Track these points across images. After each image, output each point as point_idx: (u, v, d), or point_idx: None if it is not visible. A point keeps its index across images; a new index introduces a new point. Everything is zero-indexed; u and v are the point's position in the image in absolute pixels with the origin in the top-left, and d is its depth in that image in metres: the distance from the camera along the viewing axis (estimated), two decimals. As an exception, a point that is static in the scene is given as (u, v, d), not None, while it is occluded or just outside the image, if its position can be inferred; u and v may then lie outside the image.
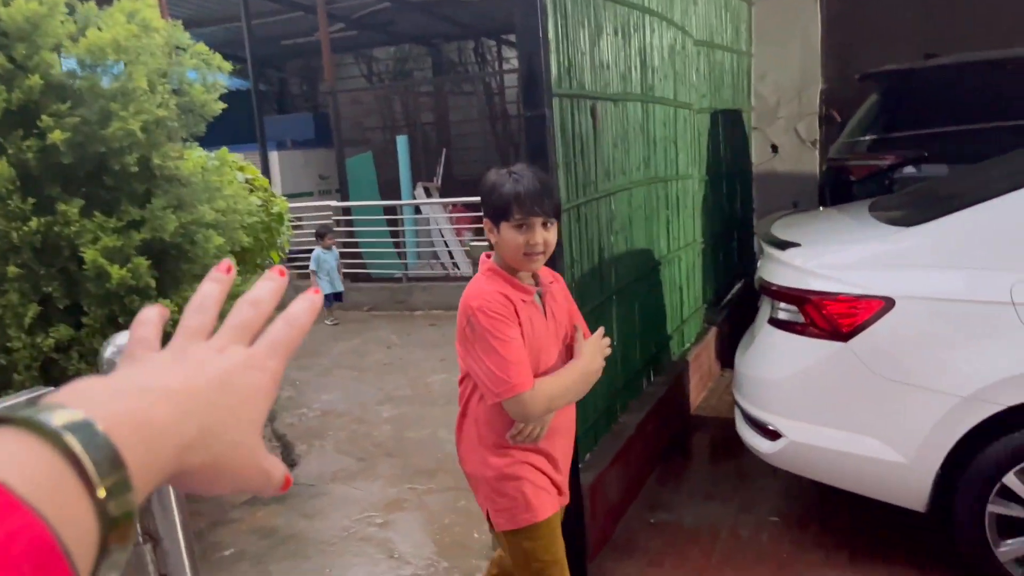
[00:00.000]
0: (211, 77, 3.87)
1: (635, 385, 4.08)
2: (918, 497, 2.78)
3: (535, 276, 2.08)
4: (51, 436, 0.39)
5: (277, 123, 11.32)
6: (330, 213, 8.88)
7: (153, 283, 3.48)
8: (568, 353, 2.10)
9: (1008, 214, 2.74)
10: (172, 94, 3.67)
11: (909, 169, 5.34)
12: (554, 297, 2.10)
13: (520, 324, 1.95)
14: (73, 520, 0.38)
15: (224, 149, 4.55)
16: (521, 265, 1.99)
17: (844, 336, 2.79)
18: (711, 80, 5.75)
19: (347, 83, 12.19)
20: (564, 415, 2.12)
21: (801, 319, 2.91)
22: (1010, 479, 2.64)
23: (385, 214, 9.27)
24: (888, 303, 2.74)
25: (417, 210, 9.52)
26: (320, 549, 3.53)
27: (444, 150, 10.38)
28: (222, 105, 3.91)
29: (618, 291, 3.74)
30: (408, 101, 11.35)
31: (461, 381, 2.11)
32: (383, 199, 9.40)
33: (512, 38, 12.61)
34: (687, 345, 4.99)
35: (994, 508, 2.68)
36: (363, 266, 9.08)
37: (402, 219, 9.19)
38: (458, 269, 9.39)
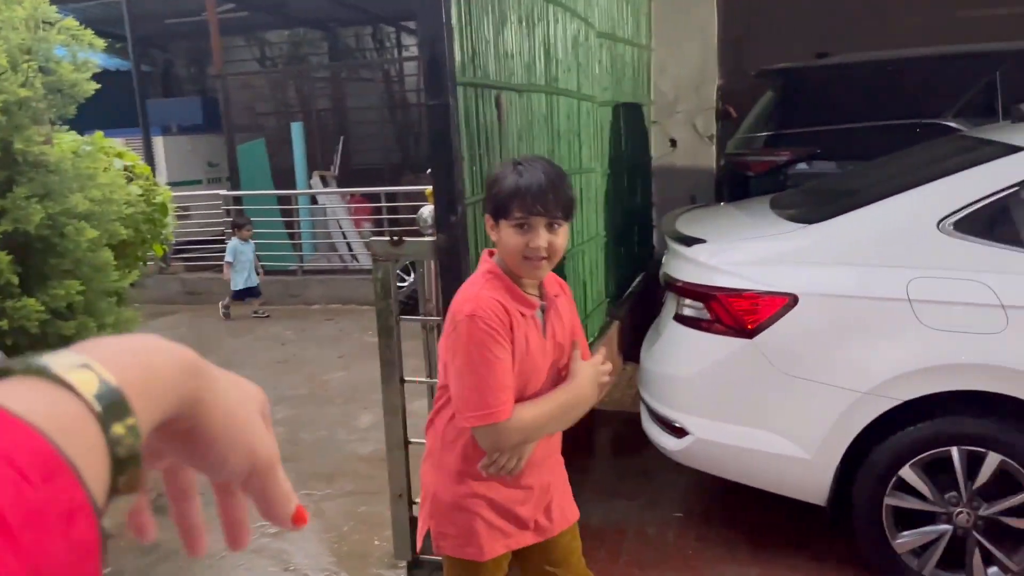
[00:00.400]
0: (82, 55, 3.55)
1: (540, 382, 4.00)
2: (819, 491, 2.81)
3: (540, 286, 1.83)
4: (55, 378, 0.40)
5: (162, 107, 10.70)
6: (220, 202, 8.45)
7: (16, 280, 3.17)
8: (561, 375, 1.84)
9: (904, 212, 2.80)
10: (38, 73, 3.34)
11: (802, 165, 5.48)
12: (558, 312, 1.85)
13: (513, 342, 1.71)
14: (83, 451, 0.38)
15: (99, 134, 4.22)
16: (521, 270, 1.75)
17: (749, 333, 2.78)
18: (613, 73, 5.73)
19: (238, 66, 11.65)
20: (547, 445, 1.89)
21: (707, 316, 2.90)
22: (906, 472, 2.70)
23: (279, 204, 8.90)
24: (792, 300, 2.75)
25: (313, 200, 9.19)
26: (208, 564, 3.30)
27: (342, 138, 10.05)
28: (95, 85, 3.59)
29: (523, 287, 3.65)
30: (303, 87, 10.95)
31: (441, 387, 1.88)
32: (277, 188, 9.02)
33: (412, 25, 12.36)
34: (591, 340, 4.96)
35: (891, 501, 2.74)
36: (256, 258, 8.69)
37: (297, 209, 8.85)
38: (356, 262, 9.12)
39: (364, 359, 6.14)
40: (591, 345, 4.86)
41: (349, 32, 12.10)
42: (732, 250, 3.04)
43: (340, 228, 9.21)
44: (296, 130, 9.01)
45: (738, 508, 3.47)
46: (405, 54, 11.70)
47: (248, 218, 7.93)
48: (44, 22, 3.38)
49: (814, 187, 4.01)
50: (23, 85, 3.14)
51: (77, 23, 3.48)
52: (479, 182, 3.09)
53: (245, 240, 7.61)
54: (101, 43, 3.53)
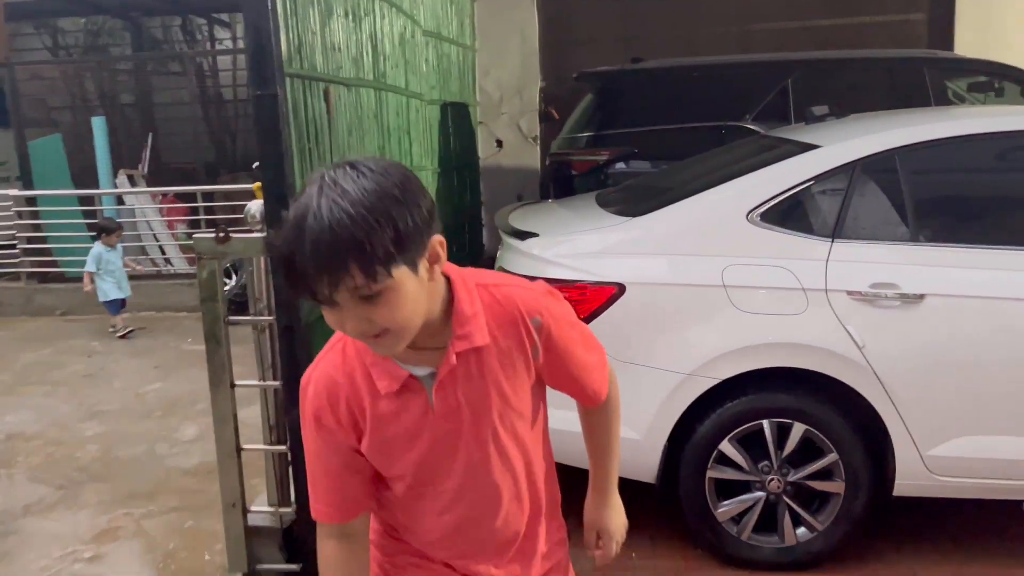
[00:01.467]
0: None
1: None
2: (649, 470, 2.97)
3: (445, 334, 1.21)
4: None
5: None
6: (11, 203, 7.65)
7: None
8: (482, 451, 1.29)
9: (716, 205, 3.01)
10: None
11: (620, 165, 5.76)
12: (471, 375, 1.24)
13: (359, 426, 1.25)
14: None
15: None
16: (372, 346, 1.16)
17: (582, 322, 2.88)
18: (440, 72, 5.76)
19: (26, 55, 10.59)
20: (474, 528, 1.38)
21: (542, 307, 2.97)
22: (725, 446, 2.90)
23: (81, 205, 8.19)
24: (620, 289, 2.88)
25: (120, 200, 8.54)
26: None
27: (151, 135, 9.41)
28: None
29: (357, 285, 3.59)
30: (105, 79, 10.13)
31: None
32: (77, 187, 8.30)
33: (225, 17, 11.78)
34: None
35: (713, 473, 2.93)
36: (54, 264, 7.95)
37: (101, 211, 8.18)
38: (171, 266, 8.58)
39: (183, 369, 5.79)
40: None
41: (155, 22, 11.33)
42: (563, 243, 3.14)
43: (151, 230, 8.63)
44: (98, 125, 8.33)
45: (575, 497, 3.58)
46: (218, 47, 11.13)
47: (118, 223, 7.19)
48: None
49: (637, 184, 4.23)
50: None
51: None
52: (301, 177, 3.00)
53: (112, 247, 6.89)
54: None
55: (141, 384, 5.49)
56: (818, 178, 2.93)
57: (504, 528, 1.38)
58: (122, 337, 6.79)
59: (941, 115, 3.59)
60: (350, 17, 3.71)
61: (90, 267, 6.81)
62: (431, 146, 5.40)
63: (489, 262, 7.12)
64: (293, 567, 2.86)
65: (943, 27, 7.14)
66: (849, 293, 2.79)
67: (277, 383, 2.79)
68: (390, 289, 1.06)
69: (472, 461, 1.29)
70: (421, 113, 5.09)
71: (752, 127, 5.18)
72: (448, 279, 1.21)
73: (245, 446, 2.81)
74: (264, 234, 2.67)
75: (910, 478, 2.85)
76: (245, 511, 2.84)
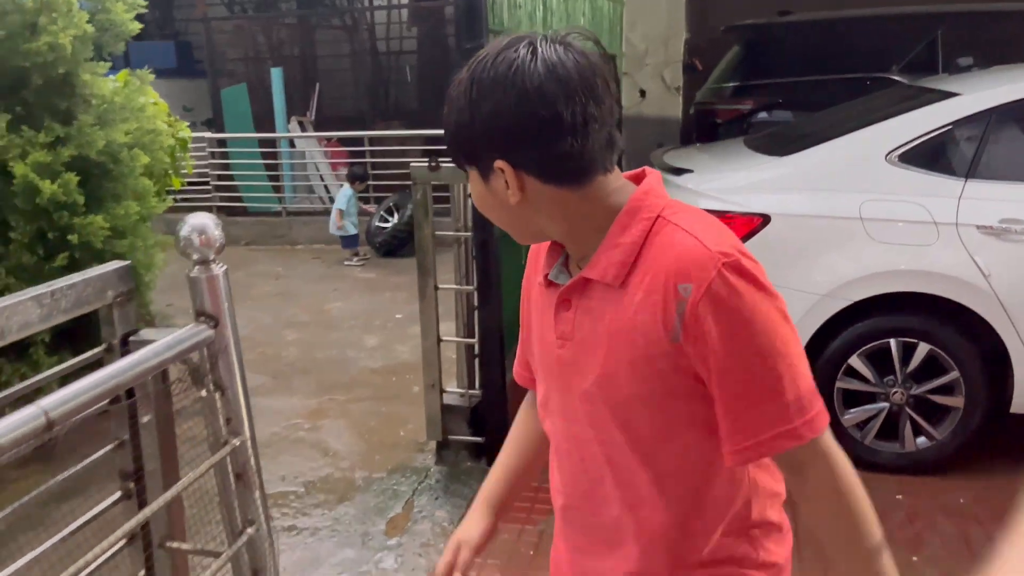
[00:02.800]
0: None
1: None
2: (784, 378, 3.39)
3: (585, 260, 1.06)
4: None
5: (136, 50, 10.74)
6: (204, 145, 8.68)
7: (82, 200, 3.54)
8: (575, 404, 1.10)
9: (858, 146, 3.36)
10: (91, 12, 3.67)
11: (763, 114, 6.03)
12: (590, 312, 1.05)
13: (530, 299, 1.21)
14: None
15: (124, 72, 4.50)
16: None
17: (730, 247, 3.32)
18: (593, 25, 6.17)
19: (209, 12, 11.68)
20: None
21: (694, 233, 3.43)
22: (854, 360, 3.29)
23: (260, 147, 9.17)
24: (765, 219, 3.30)
25: (291, 144, 9.47)
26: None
27: (317, 85, 10.28)
28: (139, 25, 3.94)
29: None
30: (279, 33, 11.09)
31: None
32: (257, 132, 9.27)
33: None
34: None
35: (841, 384, 3.33)
36: (239, 199, 8.98)
37: (279, 152, 9.12)
38: (333, 203, 9.46)
39: (357, 292, 6.58)
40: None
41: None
42: (715, 179, 3.57)
43: (318, 171, 9.52)
44: (276, 75, 9.24)
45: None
46: (377, 3, 11.88)
47: (366, 171, 8.10)
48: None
49: (782, 129, 4.57)
50: (88, 21, 3.48)
51: (124, -35, 3.79)
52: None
53: (357, 192, 7.80)
54: (146, -12, 3.86)
55: (324, 303, 6.31)
56: (956, 123, 3.22)
57: (597, 511, 1.14)
58: (359, 263, 7.60)
59: None
60: (528, -24, 4.20)
61: (340, 205, 7.63)
62: (584, 95, 5.85)
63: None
64: (477, 439, 3.49)
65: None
66: (979, 227, 3.10)
67: (471, 287, 3.39)
68: (471, 180, 1.05)
69: (566, 407, 1.12)
70: (578, 64, 5.54)
71: (898, 78, 5.34)
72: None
73: (444, 337, 3.43)
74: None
75: (1028, 396, 3.17)
76: (441, 392, 3.48)
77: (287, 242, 8.60)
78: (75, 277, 1.63)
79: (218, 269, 1.74)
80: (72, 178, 3.44)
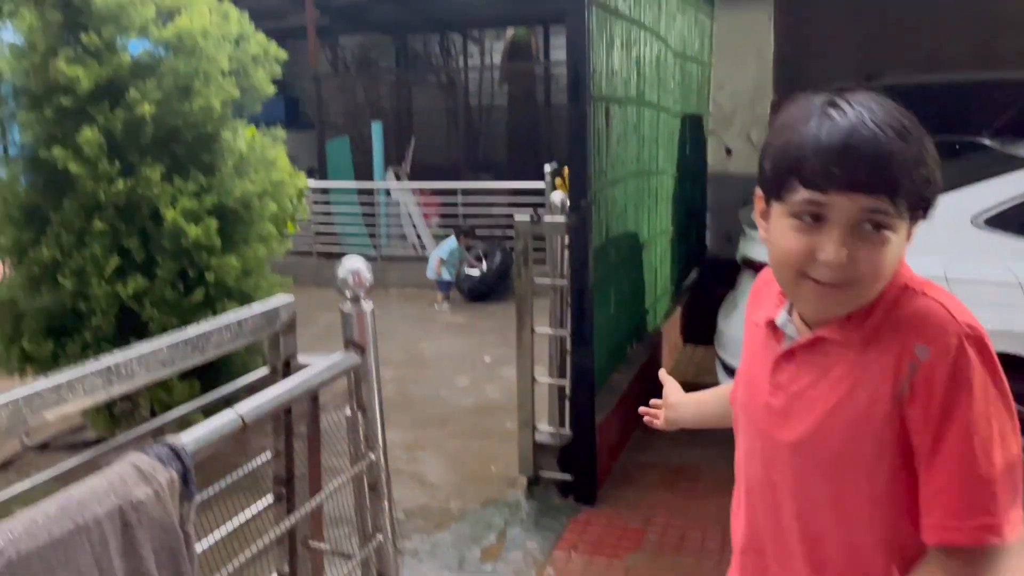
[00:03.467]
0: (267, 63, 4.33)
1: (622, 350, 4.72)
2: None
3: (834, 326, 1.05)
4: None
5: (246, 103, 11.57)
6: (308, 192, 9.25)
7: (219, 242, 3.95)
8: (774, 455, 1.12)
9: (943, 209, 3.48)
10: (235, 76, 4.14)
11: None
12: (814, 366, 1.08)
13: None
14: None
15: (252, 128, 4.97)
16: (794, 296, 1.07)
17: (815, 303, 3.48)
18: (682, 87, 6.44)
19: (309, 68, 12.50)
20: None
21: (780, 289, 3.60)
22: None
23: (359, 195, 9.71)
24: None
25: (387, 193, 9.99)
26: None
27: (413, 138, 10.84)
28: (274, 88, 4.39)
29: (617, 267, 4.37)
30: (379, 89, 11.78)
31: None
32: (356, 180, 9.84)
33: (475, 33, 13.17)
34: (659, 320, 5.67)
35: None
36: (337, 244, 9.50)
37: (376, 201, 9.64)
38: (424, 250, 9.89)
39: (448, 334, 6.90)
40: (660, 325, 5.57)
41: (417, 38, 12.94)
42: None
43: (411, 219, 10.00)
44: (376, 129, 9.81)
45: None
46: (470, 62, 12.51)
47: (474, 233, 8.61)
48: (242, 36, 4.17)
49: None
50: (234, 86, 3.93)
51: (266, 38, 4.27)
52: (595, 177, 3.82)
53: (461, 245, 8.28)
54: (284, 54, 4.32)
55: (416, 343, 6.65)
56: (1042, 191, 3.33)
57: (779, 561, 1.13)
58: (447, 306, 8.05)
59: None
60: (624, 47, 4.51)
61: (441, 254, 8.18)
62: (672, 153, 6.11)
63: (711, 260, 7.72)
64: (566, 476, 3.69)
65: None
66: (1065, 291, 3.18)
67: (565, 332, 3.63)
68: (892, 230, 0.98)
69: (767, 454, 1.12)
70: (666, 124, 5.81)
71: (988, 143, 5.39)
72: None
73: (538, 379, 3.67)
74: (566, 218, 3.52)
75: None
76: (534, 430, 3.71)
77: (381, 285, 9.03)
78: (254, 308, 1.95)
79: (367, 305, 2.04)
80: (213, 223, 3.85)
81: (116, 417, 4.12)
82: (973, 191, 3.48)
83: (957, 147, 5.39)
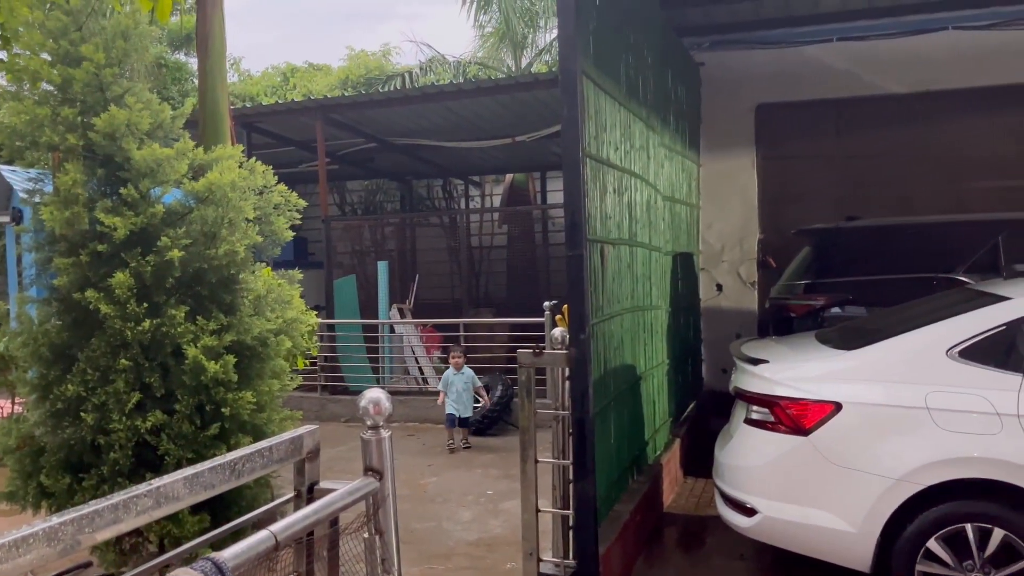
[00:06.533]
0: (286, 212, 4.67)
1: (624, 480, 4.82)
2: (864, 559, 3.58)
3: None
4: None
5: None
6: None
7: (236, 378, 4.15)
8: None
9: (921, 342, 3.71)
10: (258, 223, 4.46)
11: (836, 309, 6.42)
12: None
13: None
14: None
15: (267, 269, 5.27)
16: None
17: (805, 432, 3.65)
18: (672, 227, 6.83)
19: (318, 210, 13.12)
20: None
21: (771, 419, 3.78)
22: (932, 544, 3.47)
23: (364, 331, 9.97)
24: (837, 407, 3.63)
25: (391, 328, 10.25)
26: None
27: (417, 276, 11.25)
28: (292, 234, 4.72)
29: (615, 398, 4.56)
30: (383, 231, 12.32)
31: None
32: (362, 318, 10.12)
33: (476, 178, 13.89)
34: (659, 452, 5.78)
35: (921, 568, 3.49)
36: (342, 379, 9.67)
37: (380, 336, 9.89)
38: (427, 384, 10.05)
39: (451, 468, 6.96)
40: (660, 456, 5.67)
41: (421, 183, 13.64)
42: (790, 368, 3.96)
43: (414, 354, 10.21)
44: (382, 268, 10.20)
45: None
46: (472, 204, 13.14)
47: (457, 347, 8.30)
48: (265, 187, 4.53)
49: (851, 324, 4.95)
50: (257, 233, 4.25)
51: (286, 187, 4.63)
52: (593, 312, 4.07)
53: (458, 369, 7.96)
54: (303, 203, 4.68)
55: (420, 477, 6.70)
56: (1008, 324, 3.57)
57: None
58: (451, 451, 7.57)
59: None
60: (616, 193, 4.89)
61: (439, 387, 8.01)
62: (665, 290, 6.41)
63: (708, 393, 7.87)
64: (571, 608, 3.72)
65: None
66: (1040, 419, 3.35)
67: (568, 461, 3.77)
68: None
69: None
70: (659, 263, 6.14)
71: (963, 279, 5.71)
72: None
73: (542, 509, 3.78)
74: (566, 351, 3.74)
75: (1107, 585, 3.26)
76: (539, 561, 3.77)
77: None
78: (283, 437, 2.14)
79: (385, 433, 2.23)
80: (231, 360, 4.06)
81: (125, 552, 4.18)
82: (948, 325, 3.73)
83: (934, 283, 5.70)
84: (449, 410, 7.86)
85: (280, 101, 13.57)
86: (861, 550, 3.57)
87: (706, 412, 7.60)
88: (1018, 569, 3.37)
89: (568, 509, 3.81)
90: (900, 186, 7.91)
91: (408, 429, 8.72)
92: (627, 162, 5.08)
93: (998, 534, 3.40)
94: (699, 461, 6.14)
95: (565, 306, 4.05)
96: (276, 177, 4.55)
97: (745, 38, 8.11)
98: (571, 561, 3.78)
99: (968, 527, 3.44)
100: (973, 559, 3.43)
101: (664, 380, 6.23)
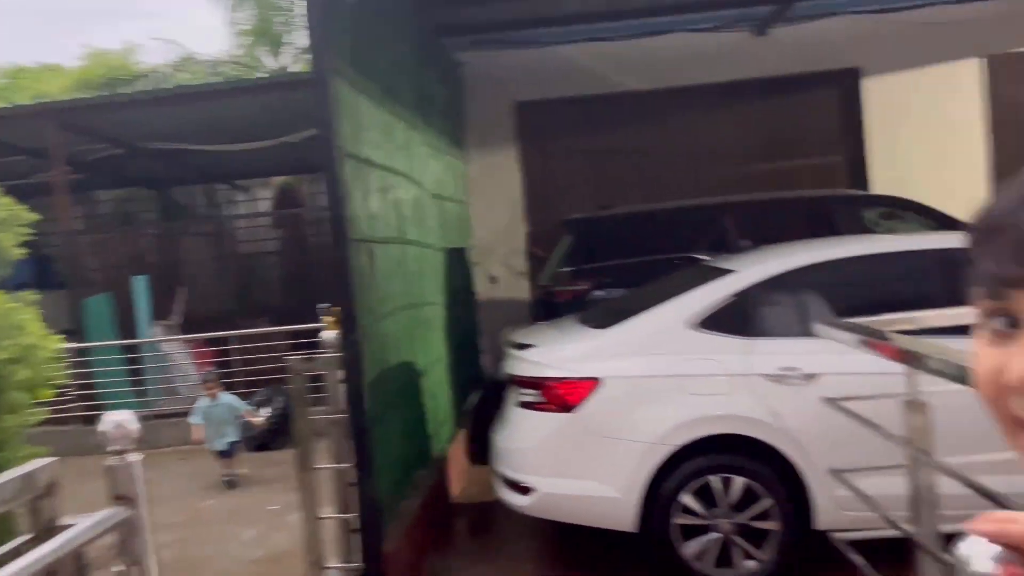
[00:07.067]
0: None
1: (409, 477, 4.85)
2: (630, 521, 3.88)
3: None
4: None
5: (-13, 266, 10.70)
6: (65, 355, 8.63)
7: (-39, 415, 3.68)
8: None
9: (664, 316, 4.08)
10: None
11: (599, 292, 6.87)
12: None
13: None
14: None
15: (29, 293, 4.71)
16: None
17: (571, 408, 3.89)
18: (443, 224, 6.96)
19: (65, 224, 11.90)
20: None
21: (541, 399, 3.98)
22: (685, 497, 3.84)
23: (125, 353, 9.20)
24: (598, 382, 3.90)
25: (157, 347, 9.56)
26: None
27: (180, 288, 10.55)
28: (23, 251, 4.27)
29: (396, 396, 4.57)
30: (139, 243, 11.41)
31: None
32: (122, 338, 9.33)
33: (244, 183, 13.27)
34: (444, 444, 5.88)
35: (678, 520, 3.85)
36: (101, 408, 8.86)
37: (143, 357, 9.18)
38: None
39: (231, 489, 6.63)
40: (444, 449, 5.77)
41: (182, 190, 12.79)
42: (554, 351, 4.19)
43: (183, 373, 9.59)
44: (139, 284, 9.47)
45: (576, 552, 4.46)
46: (239, 210, 12.53)
47: (212, 375, 7.47)
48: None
49: (606, 305, 5.32)
50: (-22, 252, 3.79)
51: (10, 200, 4.17)
52: (363, 312, 4.05)
53: (213, 397, 7.13)
54: (33, 216, 4.24)
55: (197, 501, 6.32)
56: (735, 294, 4.02)
57: None
58: (230, 485, 6.79)
59: (817, 245, 4.63)
60: (382, 192, 4.89)
61: (195, 420, 7.08)
62: (440, 285, 6.52)
63: (490, 383, 8.11)
64: (361, 610, 3.70)
65: (859, 167, 8.54)
66: (764, 376, 3.81)
67: (348, 465, 3.74)
68: None
69: None
70: (432, 259, 6.23)
71: (702, 258, 6.33)
72: None
73: (324, 515, 3.71)
74: (340, 354, 3.70)
75: (825, 514, 3.78)
76: (323, 567, 3.71)
77: (152, 446, 8.48)
78: (8, 474, 1.94)
79: (133, 457, 2.09)
80: (-45, 395, 3.60)
81: None
82: (686, 299, 4.12)
83: (676, 262, 6.27)
84: (213, 446, 7.00)
85: (5, 106, 12.14)
86: (627, 512, 3.86)
87: (489, 401, 7.82)
88: (759, 510, 3.81)
89: (352, 513, 3.77)
90: (651, 176, 8.61)
91: (181, 453, 8.18)
92: (391, 161, 5.10)
93: (739, 482, 3.82)
94: (483, 449, 6.32)
95: (336, 308, 4.03)
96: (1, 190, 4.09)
97: (501, 38, 8.41)
98: (358, 564, 3.76)
99: (714, 478, 3.83)
100: (721, 506, 3.83)
101: (445, 374, 6.34)
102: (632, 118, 8.79)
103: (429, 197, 6.38)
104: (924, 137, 8.35)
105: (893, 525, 1.81)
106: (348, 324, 3.65)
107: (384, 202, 4.91)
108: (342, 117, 4.02)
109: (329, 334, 3.81)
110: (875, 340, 1.70)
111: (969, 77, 8.52)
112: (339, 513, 3.81)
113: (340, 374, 3.75)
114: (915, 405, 1.80)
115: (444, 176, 7.26)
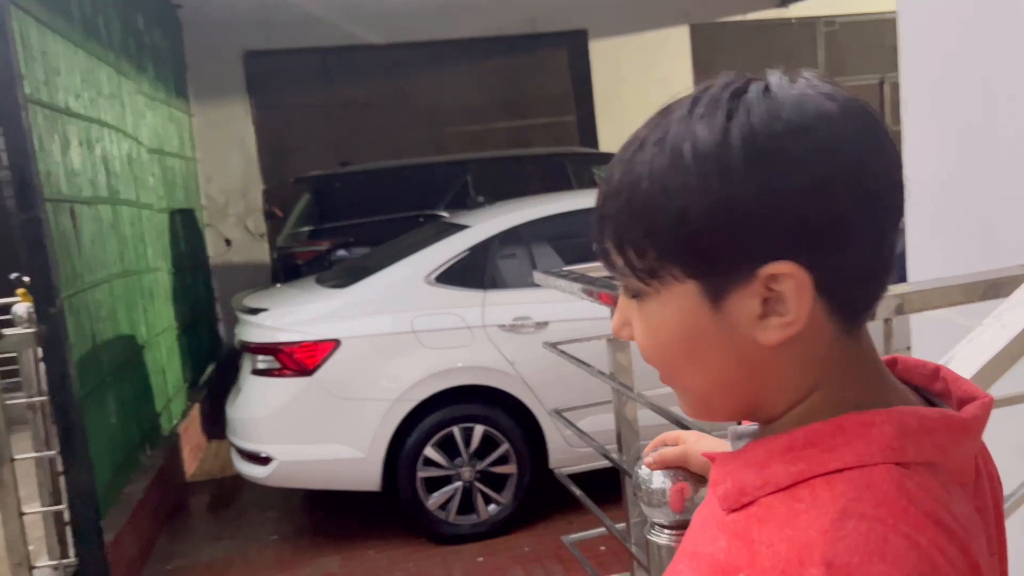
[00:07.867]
0: None
1: (134, 459, 4.45)
2: (374, 480, 3.86)
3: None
4: None
5: None
6: None
7: None
8: None
9: (403, 273, 4.06)
10: None
11: (342, 252, 6.71)
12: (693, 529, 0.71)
13: None
14: None
15: None
16: None
17: (310, 372, 3.76)
18: (166, 183, 6.39)
19: None
20: None
21: (277, 365, 3.81)
22: (428, 450, 3.88)
23: None
24: (336, 343, 3.80)
25: None
26: None
27: None
28: None
29: (112, 373, 4.15)
30: None
31: None
32: None
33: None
34: (175, 421, 5.47)
35: (422, 474, 3.89)
36: None
37: None
38: None
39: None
40: (176, 426, 5.36)
41: None
42: (289, 314, 4.02)
43: None
44: None
45: (321, 519, 4.37)
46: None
47: None
48: None
49: (346, 264, 5.21)
50: None
51: None
52: (66, 282, 3.60)
53: None
54: None
55: None
56: (471, 249, 4.09)
57: None
58: None
59: (547, 199, 4.83)
60: (85, 145, 4.36)
61: None
62: (164, 249, 6.00)
63: (228, 353, 7.68)
64: (79, 610, 3.35)
65: (589, 125, 9.08)
66: (499, 326, 3.94)
67: (53, 452, 3.33)
68: (651, 297, 0.63)
69: None
70: (152, 221, 5.70)
71: (443, 214, 6.39)
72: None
73: (26, 510, 3.29)
74: (36, 329, 3.26)
75: (557, 453, 4.01)
76: (31, 568, 3.30)
77: None
78: None
79: None
80: None
81: None
82: (421, 256, 4.13)
83: (421, 220, 6.29)
84: None
85: None
86: (371, 472, 3.84)
87: (227, 372, 7.39)
88: (498, 454, 3.95)
89: (63, 504, 3.38)
90: (390, 132, 8.50)
91: None
92: (95, 111, 4.55)
93: (479, 430, 3.93)
94: (221, 422, 5.98)
95: (28, 278, 3.53)
96: None
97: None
98: (72, 559, 3.39)
99: (455, 429, 3.91)
100: (462, 455, 3.93)
101: (175, 345, 5.89)
102: (371, 73, 8.61)
103: (146, 152, 5.80)
104: (642, 99, 9.05)
105: (604, 455, 1.95)
106: (46, 295, 3.21)
107: (89, 157, 4.38)
108: (30, 58, 3.50)
109: (21, 307, 3.33)
110: (587, 286, 1.79)
111: (680, 43, 9.32)
112: (48, 506, 3.39)
113: (38, 352, 3.32)
114: (618, 344, 1.94)
115: (165, 130, 6.64)
